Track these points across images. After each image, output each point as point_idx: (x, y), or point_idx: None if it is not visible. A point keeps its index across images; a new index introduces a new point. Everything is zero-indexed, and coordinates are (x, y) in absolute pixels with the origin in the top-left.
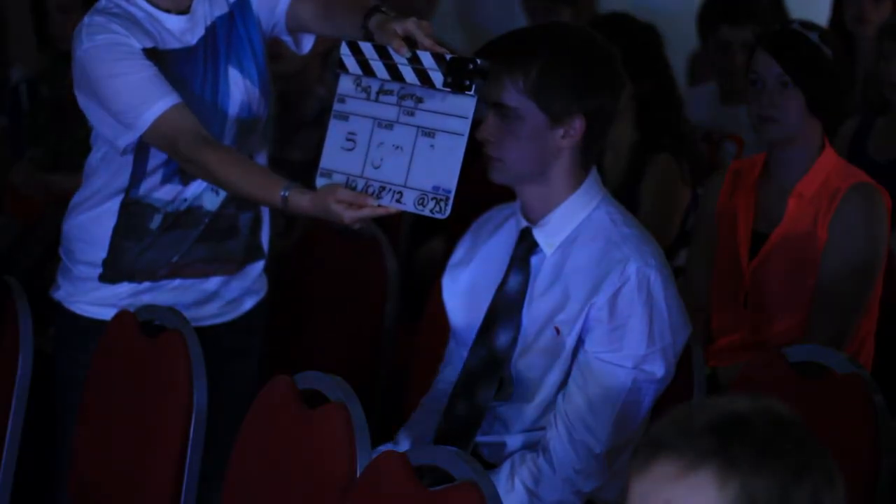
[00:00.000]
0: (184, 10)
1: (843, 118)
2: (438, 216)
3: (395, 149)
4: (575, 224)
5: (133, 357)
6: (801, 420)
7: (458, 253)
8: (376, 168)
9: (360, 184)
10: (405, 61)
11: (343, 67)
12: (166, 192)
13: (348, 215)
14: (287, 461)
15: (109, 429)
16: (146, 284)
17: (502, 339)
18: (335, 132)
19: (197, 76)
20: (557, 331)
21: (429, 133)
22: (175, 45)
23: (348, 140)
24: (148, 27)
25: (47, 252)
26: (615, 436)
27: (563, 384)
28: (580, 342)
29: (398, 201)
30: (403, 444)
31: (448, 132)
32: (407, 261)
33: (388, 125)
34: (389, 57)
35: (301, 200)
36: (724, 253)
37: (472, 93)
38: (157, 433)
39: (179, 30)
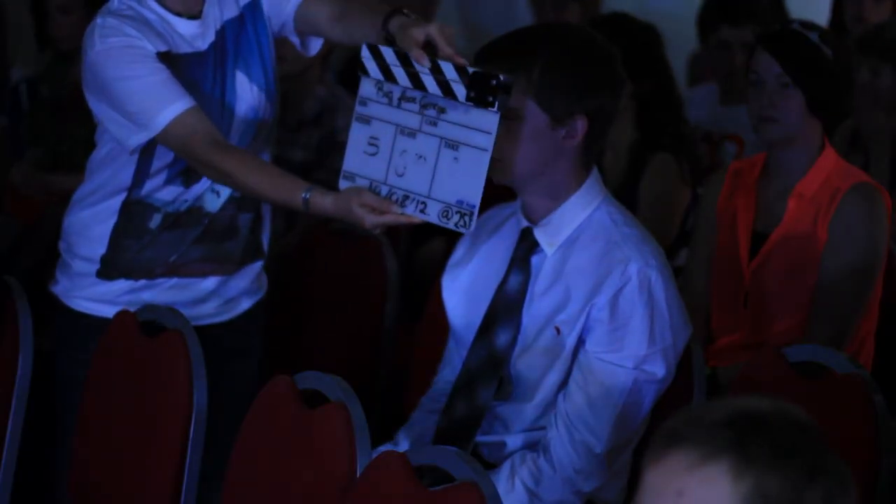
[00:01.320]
0: (195, 15)
1: (842, 118)
2: (463, 230)
3: (419, 158)
4: (576, 224)
5: (133, 357)
6: (818, 425)
7: (458, 252)
8: (400, 176)
9: (384, 190)
10: (427, 70)
11: (364, 71)
12: (168, 193)
13: (370, 220)
14: (287, 461)
15: (109, 428)
16: (142, 282)
17: (502, 338)
18: (357, 135)
19: (207, 79)
20: (558, 331)
21: (453, 145)
22: (186, 49)
23: (371, 145)
24: (160, 30)
25: (48, 252)
26: (615, 436)
27: (563, 384)
28: (581, 342)
29: (422, 212)
30: (403, 444)
31: (472, 146)
32: (407, 261)
33: (411, 133)
34: (411, 64)
35: (323, 202)
36: (724, 253)
37: (495, 109)
38: (157, 433)
39: (191, 35)
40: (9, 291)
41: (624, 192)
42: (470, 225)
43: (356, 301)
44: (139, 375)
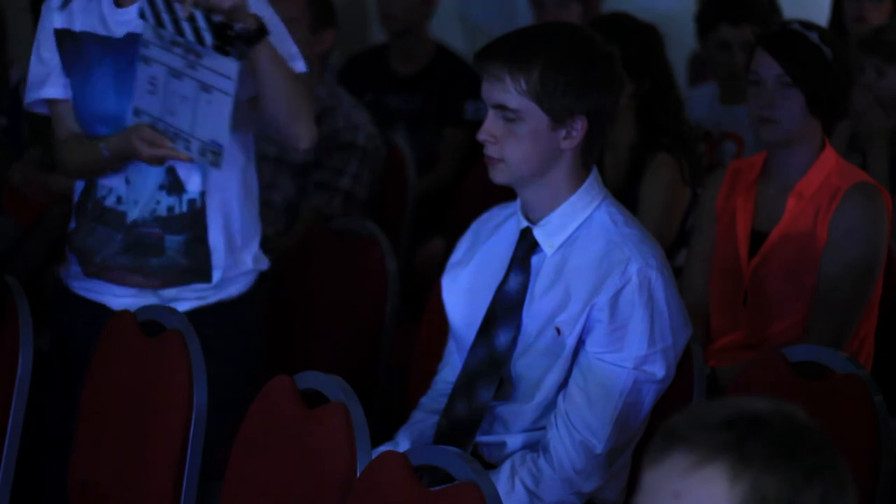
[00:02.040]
0: (128, 4)
1: (842, 118)
2: (214, 168)
3: (183, 99)
4: (576, 224)
5: (133, 357)
6: (819, 427)
7: (458, 252)
8: (172, 114)
9: (161, 126)
10: (185, 18)
11: (143, 16)
12: (109, 180)
13: (146, 151)
14: (287, 461)
15: (109, 429)
16: (81, 272)
17: (502, 338)
18: (141, 75)
19: (106, 64)
20: (558, 331)
21: (206, 88)
22: (99, 30)
23: (151, 84)
24: (83, 5)
25: (47, 252)
26: (615, 436)
27: (563, 384)
28: (581, 342)
29: (187, 149)
30: (403, 444)
31: (220, 90)
32: (407, 261)
33: (178, 75)
34: (174, 11)
35: (115, 141)
36: (724, 252)
37: (234, 57)
38: (157, 433)
39: (113, 20)
40: (9, 291)
41: (624, 192)
42: (218, 163)
43: (356, 301)
44: (139, 375)
